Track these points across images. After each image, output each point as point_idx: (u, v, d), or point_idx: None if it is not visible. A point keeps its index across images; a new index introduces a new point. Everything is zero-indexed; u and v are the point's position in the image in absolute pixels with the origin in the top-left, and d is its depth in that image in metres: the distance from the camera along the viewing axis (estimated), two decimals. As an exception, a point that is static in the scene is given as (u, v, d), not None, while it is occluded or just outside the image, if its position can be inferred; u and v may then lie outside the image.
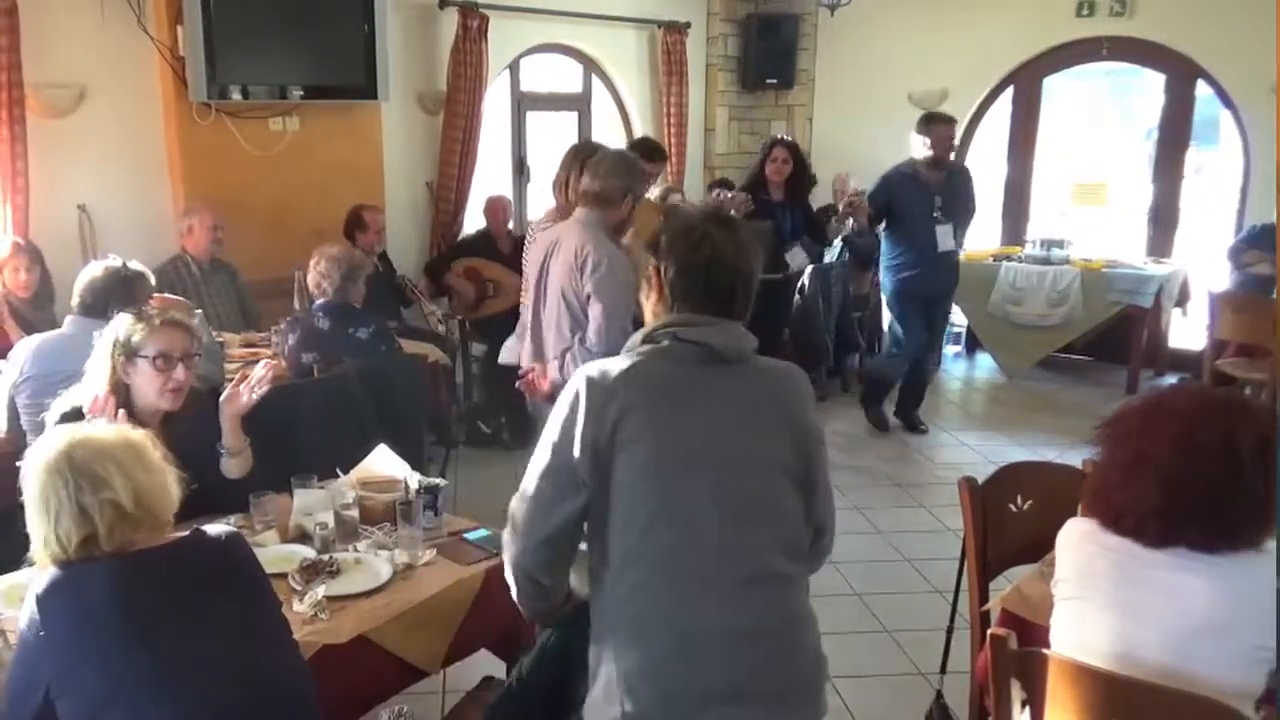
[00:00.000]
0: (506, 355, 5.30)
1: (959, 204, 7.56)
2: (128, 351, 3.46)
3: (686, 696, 2.35)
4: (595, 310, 4.43)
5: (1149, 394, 2.63)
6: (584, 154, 4.94)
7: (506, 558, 2.57)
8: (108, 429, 2.55)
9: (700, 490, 2.40)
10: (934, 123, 7.42)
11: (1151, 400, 2.55)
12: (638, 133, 10.12)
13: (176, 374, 3.50)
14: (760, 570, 2.41)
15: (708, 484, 2.40)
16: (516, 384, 4.89)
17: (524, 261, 5.43)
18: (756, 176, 7.90)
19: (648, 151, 6.39)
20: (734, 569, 2.39)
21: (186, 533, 2.53)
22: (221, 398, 3.68)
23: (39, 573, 2.37)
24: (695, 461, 2.41)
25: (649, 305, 2.66)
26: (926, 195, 7.37)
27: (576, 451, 2.40)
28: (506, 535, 2.56)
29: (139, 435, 2.56)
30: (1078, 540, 2.66)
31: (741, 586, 2.39)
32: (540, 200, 9.50)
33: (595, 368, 2.50)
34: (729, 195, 7.73)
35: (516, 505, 2.52)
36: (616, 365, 2.48)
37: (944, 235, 7.41)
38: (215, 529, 2.59)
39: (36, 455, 2.43)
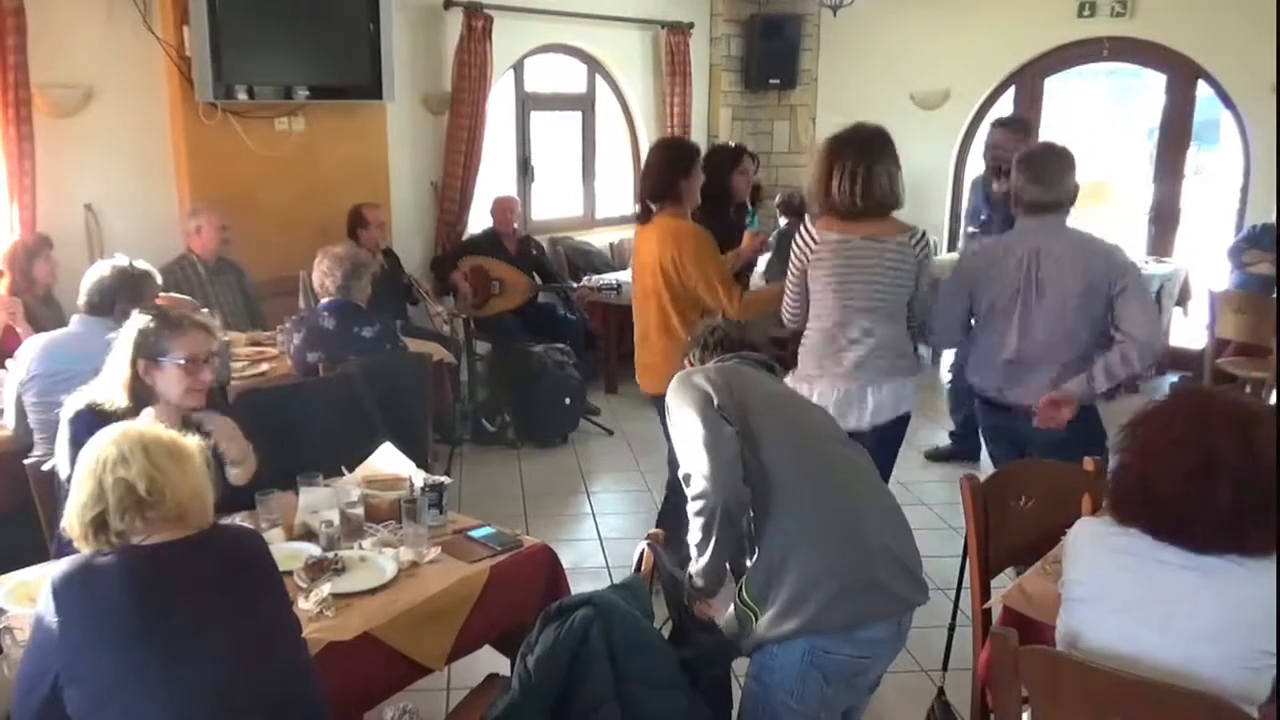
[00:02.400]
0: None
1: None
2: (152, 354, 3.48)
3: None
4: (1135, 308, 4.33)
5: (1171, 397, 2.62)
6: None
7: (709, 507, 2.97)
8: (162, 428, 2.59)
9: None
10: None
11: (1185, 405, 2.56)
12: (640, 133, 10.14)
13: (204, 375, 3.55)
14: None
15: None
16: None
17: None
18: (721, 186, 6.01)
19: None
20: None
21: (205, 528, 2.54)
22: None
23: (54, 566, 2.41)
24: None
25: None
26: None
27: None
28: (704, 502, 2.99)
29: (190, 441, 2.60)
30: (1088, 541, 2.68)
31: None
32: (542, 200, 9.54)
33: None
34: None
35: (698, 462, 2.99)
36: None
37: None
38: (234, 525, 2.63)
39: (92, 440, 2.50)
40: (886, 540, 2.99)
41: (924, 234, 4.49)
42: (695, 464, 2.98)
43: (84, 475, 2.42)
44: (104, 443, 2.45)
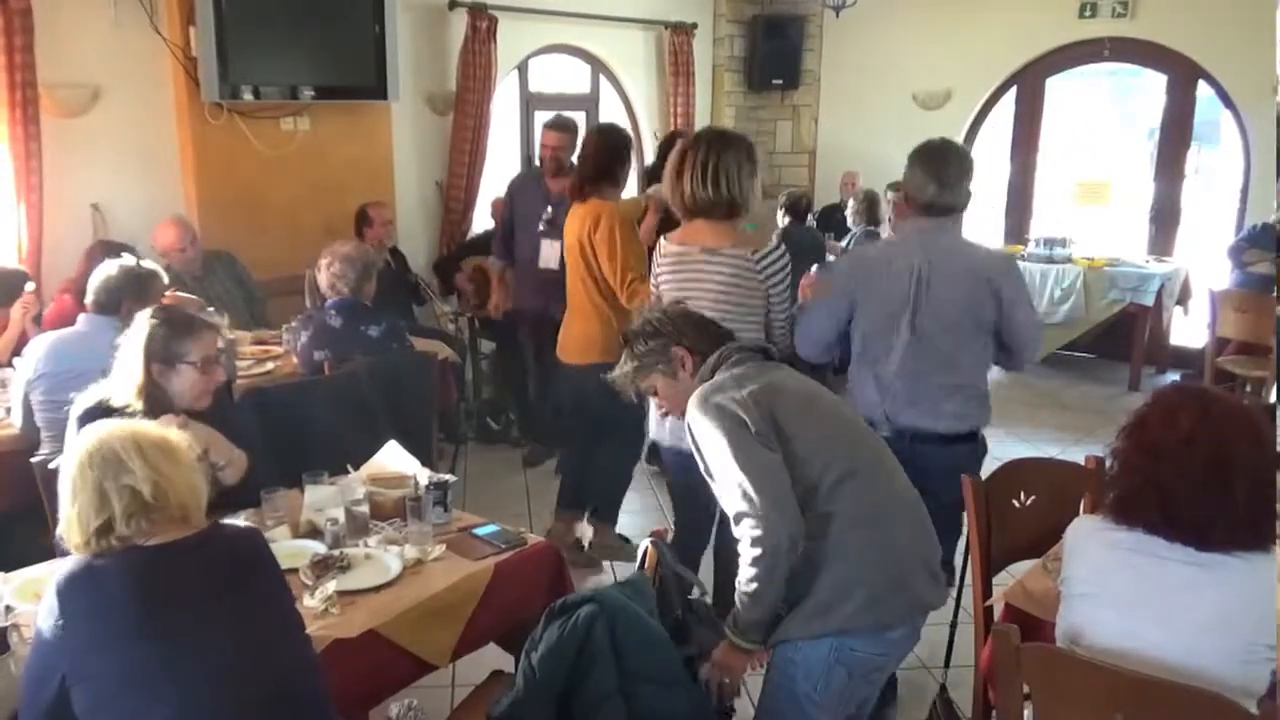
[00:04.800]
0: None
1: None
2: (166, 358, 3.51)
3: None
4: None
5: (1169, 397, 2.65)
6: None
7: (770, 549, 2.82)
8: (153, 425, 2.60)
9: None
10: None
11: (1187, 404, 2.57)
12: (644, 133, 10.15)
13: (216, 375, 3.61)
14: None
15: None
16: None
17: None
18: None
19: None
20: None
21: (206, 527, 2.55)
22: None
23: (59, 565, 2.40)
24: None
25: None
26: None
27: None
28: (762, 547, 2.83)
29: (176, 433, 2.61)
30: (1087, 537, 2.69)
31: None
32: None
33: None
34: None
35: (753, 501, 2.84)
36: None
37: None
38: (235, 524, 2.64)
39: (75, 444, 2.49)
40: (914, 544, 3.01)
41: (775, 248, 4.18)
42: (745, 505, 2.84)
43: (81, 483, 2.40)
44: (92, 447, 2.43)
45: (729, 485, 2.88)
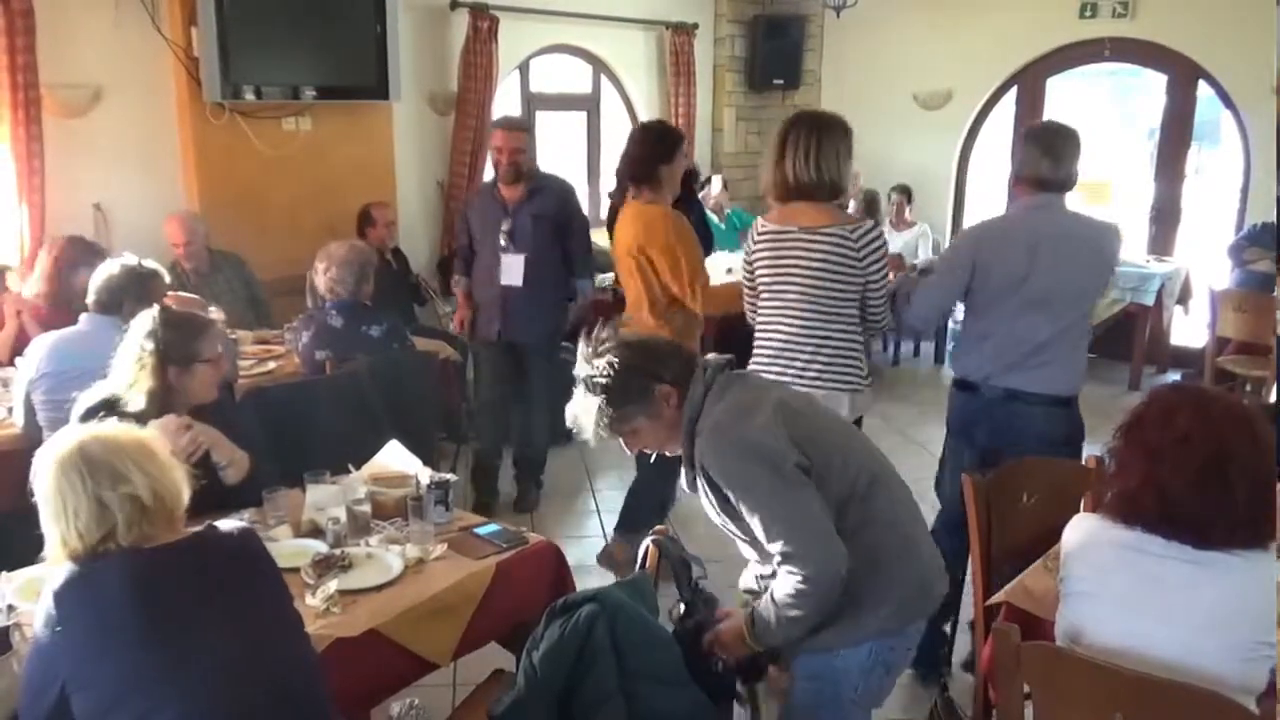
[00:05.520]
0: None
1: None
2: (184, 360, 3.54)
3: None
4: None
5: (1166, 397, 2.65)
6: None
7: (828, 582, 2.77)
8: (118, 427, 2.59)
9: None
10: None
11: (1185, 403, 2.57)
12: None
13: (224, 365, 3.66)
14: None
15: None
16: None
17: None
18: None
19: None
20: None
21: (200, 528, 2.56)
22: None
23: (55, 569, 2.38)
24: None
25: None
26: None
27: None
28: (812, 584, 2.76)
29: (149, 433, 2.62)
30: (1086, 536, 2.70)
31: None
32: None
33: None
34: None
35: (800, 541, 2.77)
36: None
37: None
38: (228, 525, 2.62)
39: (50, 454, 2.46)
40: (927, 538, 3.05)
41: (873, 226, 4.30)
42: (792, 547, 2.78)
43: (74, 495, 2.36)
44: (74, 458, 2.40)
45: (771, 527, 2.81)
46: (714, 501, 2.94)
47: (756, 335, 4.44)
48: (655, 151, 5.17)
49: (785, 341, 4.30)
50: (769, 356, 4.34)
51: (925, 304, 4.45)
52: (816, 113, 4.41)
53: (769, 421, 2.83)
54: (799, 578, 2.76)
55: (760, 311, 4.41)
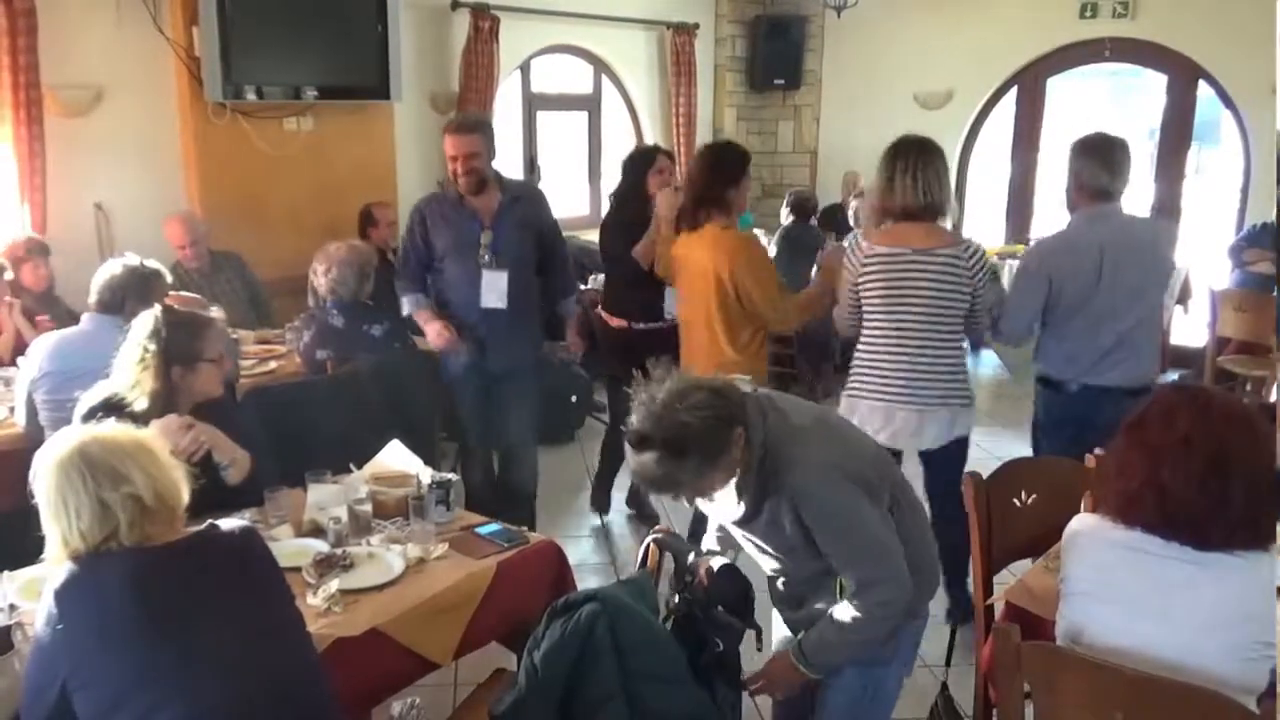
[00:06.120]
0: None
1: None
2: (189, 359, 3.55)
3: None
4: None
5: (1168, 397, 2.64)
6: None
7: (902, 602, 2.87)
8: (117, 428, 2.59)
9: None
10: None
11: (1186, 403, 2.58)
12: (646, 133, 10.18)
13: (226, 362, 3.67)
14: None
15: None
16: None
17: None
18: (636, 187, 5.83)
19: None
20: None
21: (202, 528, 2.56)
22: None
23: (57, 568, 2.39)
24: None
25: None
26: None
27: None
28: (892, 607, 2.85)
29: (148, 433, 2.62)
30: (1087, 536, 2.69)
31: None
32: (549, 198, 9.53)
33: None
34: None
35: (886, 568, 2.83)
36: None
37: None
38: (230, 524, 2.62)
39: (50, 455, 2.46)
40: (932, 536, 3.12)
41: (978, 245, 4.49)
42: (879, 571, 2.82)
43: (76, 496, 2.37)
44: (74, 459, 2.40)
45: (857, 556, 2.83)
46: (779, 538, 2.91)
47: (862, 356, 4.56)
48: (722, 174, 4.95)
49: (902, 362, 4.43)
50: (880, 377, 4.48)
51: (1018, 322, 4.66)
52: (919, 138, 4.59)
53: (847, 444, 2.94)
54: (878, 603, 2.82)
55: (870, 332, 4.52)
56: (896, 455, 4.22)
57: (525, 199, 5.39)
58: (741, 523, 2.94)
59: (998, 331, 4.70)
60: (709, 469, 2.71)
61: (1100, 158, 4.50)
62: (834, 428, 3.00)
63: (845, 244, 4.79)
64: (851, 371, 4.60)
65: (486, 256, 5.18)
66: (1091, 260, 4.43)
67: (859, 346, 4.57)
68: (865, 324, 4.52)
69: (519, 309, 5.28)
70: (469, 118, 5.53)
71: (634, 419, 2.70)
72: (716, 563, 3.06)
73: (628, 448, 2.74)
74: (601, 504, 6.39)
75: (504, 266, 5.20)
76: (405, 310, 5.34)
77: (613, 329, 5.92)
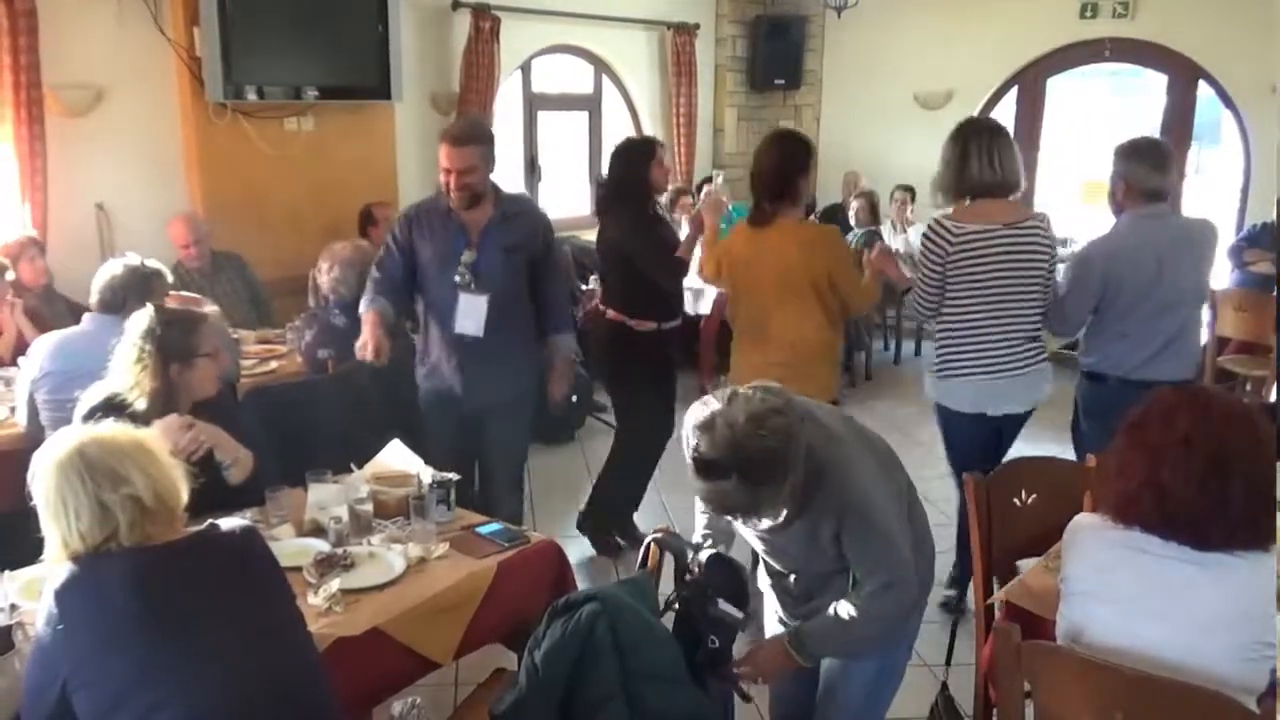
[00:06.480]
0: None
1: None
2: (184, 356, 3.55)
3: None
4: None
5: (1169, 397, 2.64)
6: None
7: (915, 598, 2.97)
8: (115, 428, 2.59)
9: None
10: None
11: (1186, 404, 2.58)
12: (646, 133, 10.15)
13: (223, 359, 3.65)
14: None
15: None
16: None
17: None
18: (639, 180, 5.57)
19: None
20: None
21: (202, 527, 2.55)
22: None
23: (57, 568, 2.38)
24: None
25: None
26: None
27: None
28: (907, 604, 2.93)
29: (147, 432, 2.62)
30: (1087, 536, 2.69)
31: None
32: (549, 199, 9.56)
33: None
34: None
35: (904, 572, 2.87)
36: None
37: None
38: (230, 523, 2.62)
39: (48, 456, 2.45)
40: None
41: (1048, 217, 4.65)
42: (903, 570, 2.87)
43: (75, 498, 2.37)
44: (73, 460, 2.40)
45: (883, 560, 2.84)
46: (809, 545, 2.92)
47: (954, 333, 4.65)
48: (793, 165, 4.74)
49: (1002, 333, 4.57)
50: (979, 351, 4.60)
51: (1074, 317, 4.76)
52: (986, 119, 4.79)
53: (874, 446, 2.99)
54: (894, 604, 2.87)
55: (962, 309, 4.60)
56: None
57: (520, 217, 4.81)
58: (772, 530, 2.94)
59: (1056, 323, 4.78)
60: (786, 489, 2.67)
61: (1150, 160, 4.59)
62: (860, 432, 2.99)
63: (924, 229, 4.76)
64: (941, 352, 4.70)
65: (466, 277, 4.66)
66: (1150, 259, 4.52)
67: (947, 326, 4.65)
68: (955, 302, 4.60)
69: (502, 341, 4.73)
70: (467, 128, 4.89)
71: (705, 445, 2.60)
72: (705, 555, 3.08)
73: (697, 475, 2.66)
74: (631, 532, 5.90)
75: (484, 290, 4.66)
76: (361, 309, 4.74)
77: (639, 332, 5.54)
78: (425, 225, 4.76)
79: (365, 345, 4.50)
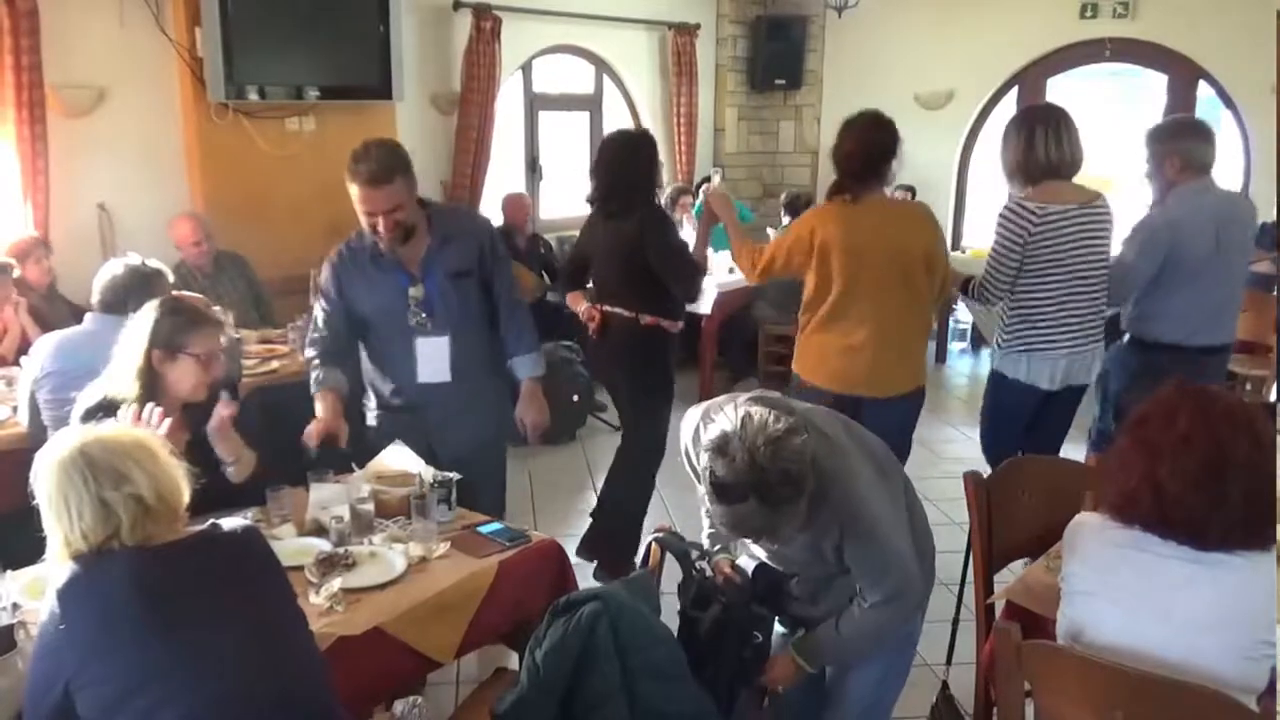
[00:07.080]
0: None
1: None
2: (169, 345, 3.53)
3: None
4: None
5: (1169, 397, 2.65)
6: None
7: (918, 606, 3.03)
8: (117, 428, 2.60)
9: None
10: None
11: (1187, 403, 2.58)
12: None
13: (215, 370, 3.62)
14: None
15: None
16: None
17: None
18: (650, 175, 5.55)
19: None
20: None
21: (204, 527, 2.56)
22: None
23: (59, 568, 2.38)
24: None
25: None
26: None
27: None
28: (911, 608, 2.99)
29: (148, 433, 2.63)
30: (1087, 535, 2.70)
31: None
32: (550, 199, 9.56)
33: None
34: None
35: (907, 581, 2.90)
36: None
37: None
38: (232, 523, 2.62)
39: (50, 455, 2.46)
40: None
41: (1107, 199, 4.77)
42: (902, 582, 2.88)
43: (77, 497, 2.37)
44: (79, 459, 2.40)
45: (888, 572, 2.86)
46: (810, 553, 2.94)
47: (1031, 310, 4.74)
48: (882, 147, 4.57)
49: (1079, 310, 4.71)
50: (1055, 326, 4.72)
51: (1134, 284, 4.90)
52: (1048, 104, 5.06)
53: (871, 449, 2.99)
54: (897, 611, 2.91)
55: (1040, 287, 4.69)
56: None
57: (460, 239, 4.29)
58: (780, 547, 3.00)
59: (1116, 288, 4.86)
60: (801, 506, 2.64)
61: (1201, 135, 4.87)
62: (857, 436, 2.98)
63: (1004, 210, 4.73)
64: (1013, 328, 4.79)
65: (420, 317, 4.19)
66: (1210, 227, 4.76)
67: (1022, 303, 4.74)
68: (1034, 281, 4.68)
69: (473, 379, 4.30)
70: (384, 161, 4.26)
71: (722, 470, 2.56)
72: (744, 562, 3.15)
73: (715, 499, 2.63)
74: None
75: (442, 330, 4.20)
76: (312, 388, 4.18)
77: (652, 330, 5.39)
78: (356, 273, 4.30)
79: (317, 433, 3.96)
